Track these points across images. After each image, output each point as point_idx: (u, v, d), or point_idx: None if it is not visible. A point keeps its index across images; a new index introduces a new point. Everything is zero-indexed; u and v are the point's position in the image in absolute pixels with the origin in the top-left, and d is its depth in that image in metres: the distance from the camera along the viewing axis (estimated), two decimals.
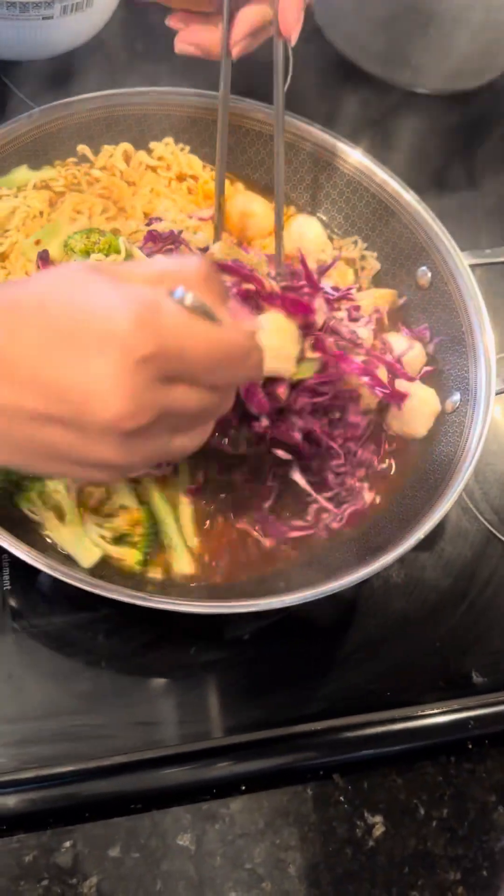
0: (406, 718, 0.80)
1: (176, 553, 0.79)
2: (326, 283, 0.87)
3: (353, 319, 0.86)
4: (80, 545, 0.76)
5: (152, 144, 0.98)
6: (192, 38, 0.78)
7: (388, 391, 0.82)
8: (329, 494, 0.82)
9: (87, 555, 0.75)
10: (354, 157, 0.96)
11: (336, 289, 0.88)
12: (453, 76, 1.23)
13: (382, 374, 0.83)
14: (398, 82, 1.23)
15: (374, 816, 0.77)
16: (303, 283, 0.79)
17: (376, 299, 0.94)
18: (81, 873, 0.70)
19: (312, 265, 0.83)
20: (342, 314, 0.85)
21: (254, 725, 0.77)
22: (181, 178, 0.98)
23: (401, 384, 0.84)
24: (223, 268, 0.74)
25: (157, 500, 0.80)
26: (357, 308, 0.87)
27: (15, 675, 0.76)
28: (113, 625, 0.79)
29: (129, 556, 0.77)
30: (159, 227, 0.90)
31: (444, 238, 0.92)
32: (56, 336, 0.47)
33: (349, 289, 0.87)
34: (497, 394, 0.85)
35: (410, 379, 0.86)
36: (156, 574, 0.78)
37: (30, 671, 0.76)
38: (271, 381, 0.73)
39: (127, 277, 0.50)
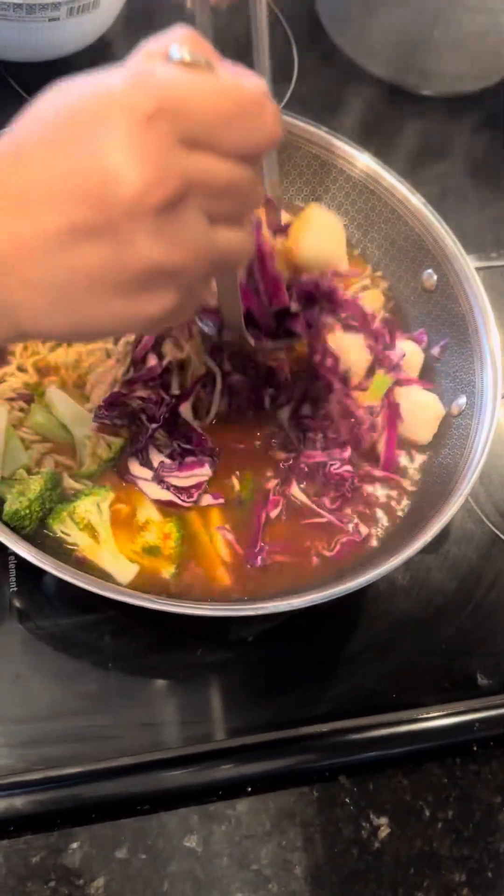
0: (411, 720, 0.80)
1: (213, 566, 0.79)
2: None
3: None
4: (118, 562, 0.76)
5: None
6: None
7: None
8: (324, 519, 0.82)
9: (126, 571, 0.76)
10: (362, 160, 0.97)
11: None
12: (459, 79, 1.24)
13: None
14: (404, 85, 1.23)
15: (379, 818, 0.77)
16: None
17: (367, 301, 0.94)
18: (89, 874, 0.70)
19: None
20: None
21: (260, 727, 0.77)
22: None
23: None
24: None
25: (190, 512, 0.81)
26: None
27: (21, 675, 0.76)
28: (119, 626, 0.79)
29: (163, 569, 0.77)
30: None
31: (451, 241, 0.92)
32: (55, 135, 0.43)
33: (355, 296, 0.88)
34: None
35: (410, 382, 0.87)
36: (190, 586, 0.78)
37: (36, 672, 0.76)
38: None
39: (117, 68, 0.45)
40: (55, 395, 0.81)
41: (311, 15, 1.28)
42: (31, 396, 0.82)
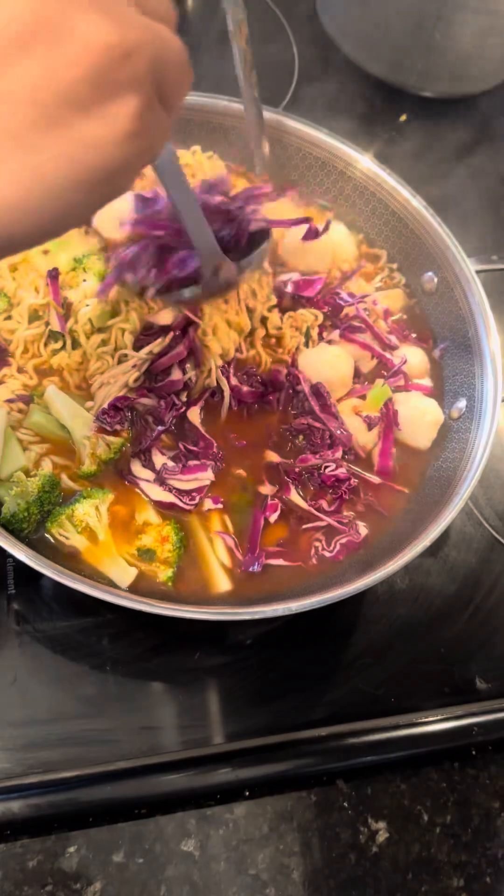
0: (410, 725, 0.80)
1: (212, 570, 0.79)
2: (343, 292, 0.89)
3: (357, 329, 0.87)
4: (117, 566, 0.76)
5: (179, 152, 0.98)
6: None
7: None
8: (324, 523, 0.82)
9: (125, 575, 0.76)
10: (363, 163, 0.97)
11: (351, 295, 0.88)
12: (460, 80, 1.23)
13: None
14: (404, 86, 1.23)
15: (377, 822, 0.77)
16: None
17: (387, 300, 0.94)
18: (85, 878, 0.70)
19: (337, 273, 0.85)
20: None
21: (258, 731, 0.77)
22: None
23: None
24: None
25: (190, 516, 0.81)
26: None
27: (20, 679, 0.76)
28: (117, 630, 0.79)
29: (161, 573, 0.77)
30: None
31: (451, 244, 0.92)
32: None
33: (364, 296, 0.88)
34: None
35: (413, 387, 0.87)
36: (188, 589, 0.78)
37: (35, 675, 0.76)
38: None
39: None
40: (54, 394, 0.81)
41: (312, 16, 1.28)
42: (30, 398, 0.82)
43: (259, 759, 0.76)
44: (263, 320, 0.88)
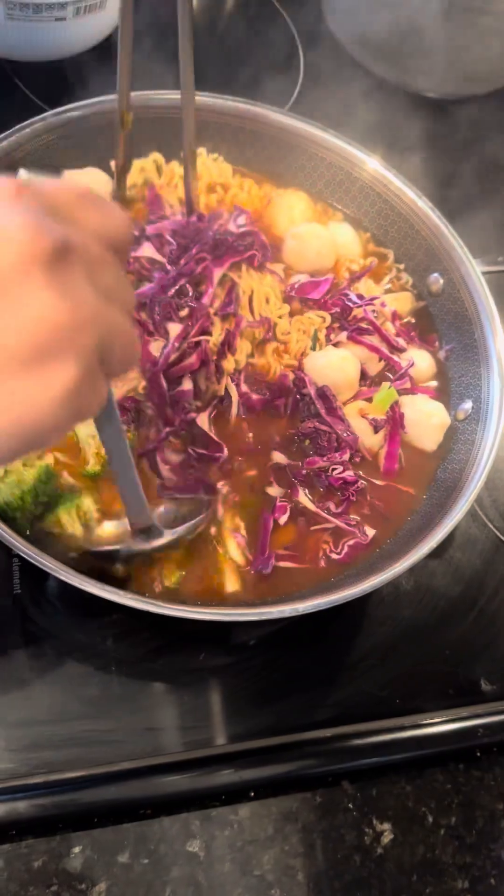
0: (414, 726, 0.80)
1: (221, 570, 0.79)
2: (352, 293, 0.89)
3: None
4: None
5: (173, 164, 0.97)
6: None
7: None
8: (331, 525, 0.82)
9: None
10: (369, 164, 0.96)
11: (360, 297, 0.88)
12: (465, 81, 1.23)
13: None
14: (409, 87, 1.23)
15: (382, 824, 0.77)
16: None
17: (395, 303, 0.94)
18: (90, 879, 0.69)
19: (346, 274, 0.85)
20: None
21: (262, 732, 0.77)
22: (211, 188, 0.97)
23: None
24: None
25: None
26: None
27: (25, 679, 0.76)
28: (122, 630, 0.79)
29: (168, 571, 0.77)
30: None
31: (458, 245, 0.92)
32: None
33: (373, 298, 0.88)
34: None
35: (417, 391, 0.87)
36: (195, 589, 0.78)
37: (39, 676, 0.76)
38: None
39: None
40: None
41: (317, 17, 1.28)
42: None
43: (263, 760, 0.76)
44: (274, 327, 0.88)
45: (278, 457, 0.84)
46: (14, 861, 0.69)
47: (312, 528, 0.82)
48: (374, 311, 0.90)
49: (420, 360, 0.90)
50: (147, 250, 0.86)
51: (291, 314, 0.90)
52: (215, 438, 0.83)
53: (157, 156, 0.96)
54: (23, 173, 0.47)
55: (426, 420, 0.86)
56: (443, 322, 0.94)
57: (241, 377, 0.85)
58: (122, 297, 0.49)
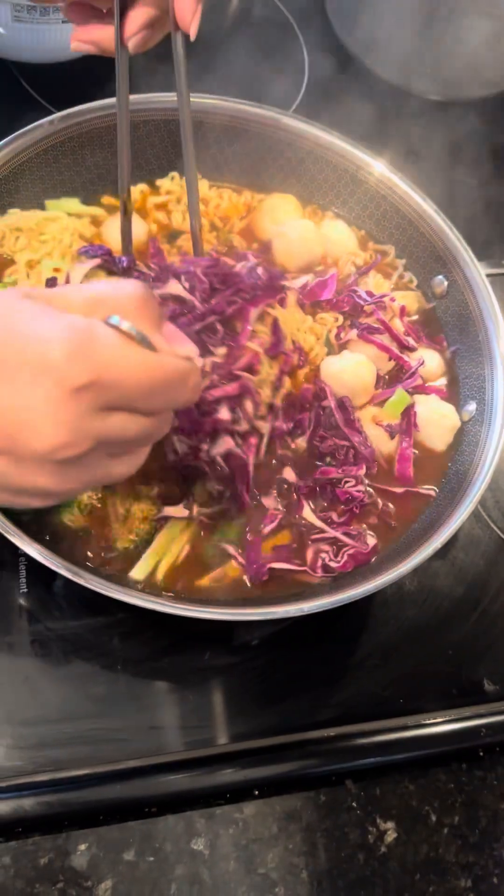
0: (418, 726, 0.80)
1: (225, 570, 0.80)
2: (361, 289, 0.89)
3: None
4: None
5: (158, 182, 0.97)
6: (88, 35, 0.73)
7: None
8: (331, 535, 0.81)
9: (142, 566, 0.77)
10: (374, 167, 0.97)
11: (370, 294, 0.88)
12: (469, 84, 1.24)
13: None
14: (414, 89, 1.23)
15: (386, 823, 0.77)
16: None
17: (403, 299, 0.95)
18: (96, 876, 0.70)
19: (347, 269, 0.85)
20: None
21: (266, 731, 0.77)
22: None
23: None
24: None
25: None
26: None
27: (31, 678, 0.76)
28: (128, 629, 0.79)
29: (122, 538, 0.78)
30: None
31: (462, 248, 0.92)
32: None
33: (383, 295, 0.88)
34: None
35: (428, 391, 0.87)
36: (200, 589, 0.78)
37: (46, 674, 0.77)
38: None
39: (61, 303, 0.49)
40: None
41: (321, 19, 1.28)
42: None
43: (267, 759, 0.77)
44: (307, 354, 0.86)
45: (289, 473, 0.83)
46: (21, 858, 0.70)
47: (313, 537, 0.81)
48: (384, 307, 0.90)
49: (430, 360, 0.90)
50: (174, 287, 0.80)
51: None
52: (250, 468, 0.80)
53: (142, 187, 0.97)
54: (115, 320, 0.48)
55: (439, 421, 0.87)
56: (447, 324, 0.94)
57: (279, 411, 0.82)
58: (141, 446, 0.55)
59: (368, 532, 0.82)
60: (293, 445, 0.84)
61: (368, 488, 0.84)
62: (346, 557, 0.80)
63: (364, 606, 0.85)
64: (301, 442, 0.84)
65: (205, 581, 0.78)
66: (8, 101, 1.09)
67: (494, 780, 0.81)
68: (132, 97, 0.78)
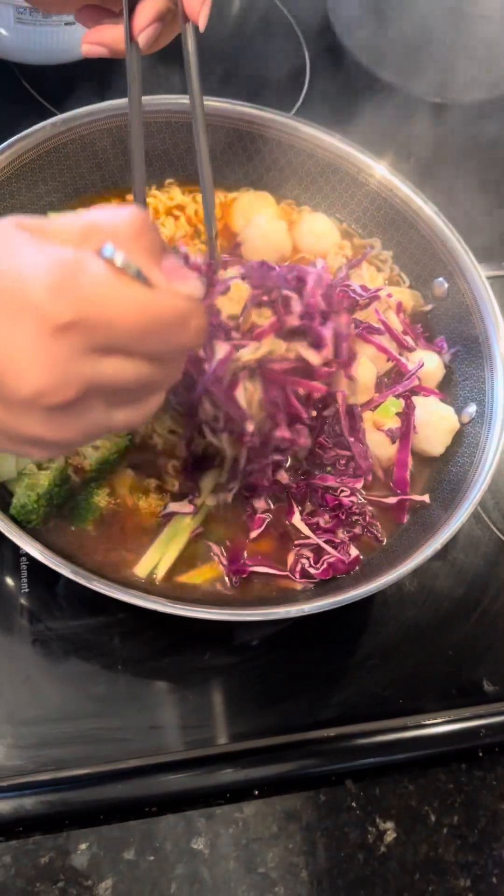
0: (418, 726, 0.80)
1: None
2: (355, 283, 0.88)
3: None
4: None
5: (129, 197, 0.96)
6: (99, 36, 0.70)
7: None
8: (314, 542, 0.81)
9: (145, 563, 0.78)
10: (376, 170, 0.97)
11: (365, 289, 0.88)
12: (470, 86, 1.24)
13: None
14: (415, 92, 1.23)
15: (385, 822, 0.77)
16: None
17: (400, 295, 0.95)
18: (97, 875, 0.70)
19: (334, 263, 0.83)
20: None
21: (266, 731, 0.78)
22: (169, 212, 0.97)
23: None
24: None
25: None
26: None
27: (32, 677, 0.76)
28: (129, 629, 0.79)
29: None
30: None
31: (462, 250, 0.93)
32: None
33: (378, 290, 0.88)
34: None
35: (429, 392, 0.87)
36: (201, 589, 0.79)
37: (47, 674, 0.77)
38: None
39: (54, 233, 0.45)
40: None
41: (323, 21, 1.29)
42: None
43: (267, 759, 0.77)
44: None
45: (282, 476, 0.82)
46: (21, 857, 0.70)
47: (296, 541, 0.81)
48: (384, 306, 0.90)
49: (429, 361, 0.90)
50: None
51: None
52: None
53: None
54: (108, 250, 0.44)
55: (437, 423, 0.87)
56: (447, 326, 0.94)
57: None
58: (145, 397, 0.50)
59: (352, 544, 0.82)
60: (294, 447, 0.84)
61: (361, 499, 0.84)
62: (325, 565, 0.80)
63: (364, 607, 0.86)
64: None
65: (186, 578, 0.79)
66: (10, 103, 1.10)
67: (494, 780, 0.81)
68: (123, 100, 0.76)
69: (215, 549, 0.80)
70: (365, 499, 0.84)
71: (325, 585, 0.80)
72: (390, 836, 0.77)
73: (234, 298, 0.73)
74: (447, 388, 0.92)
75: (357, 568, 0.81)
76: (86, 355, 0.43)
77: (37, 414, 0.44)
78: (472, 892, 0.76)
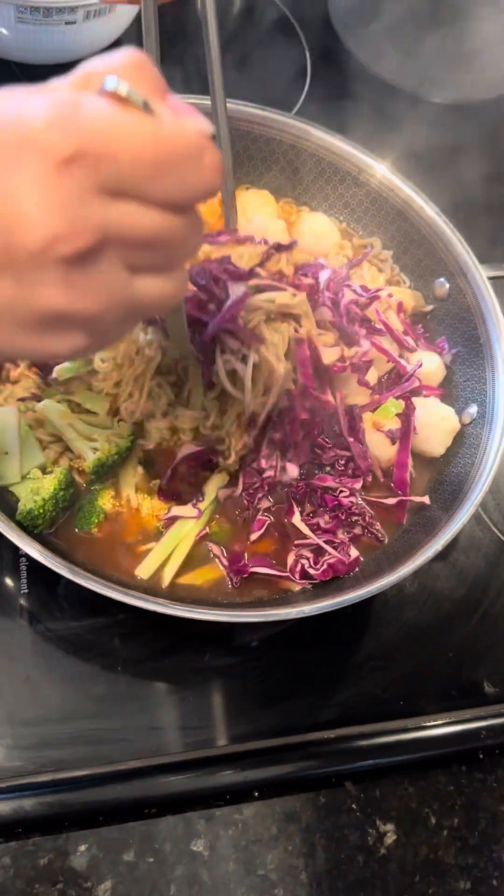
0: (418, 728, 0.80)
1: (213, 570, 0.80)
2: (355, 283, 0.88)
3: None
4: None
5: None
6: None
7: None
8: (315, 542, 0.81)
9: (147, 565, 0.78)
10: (377, 170, 0.97)
11: (365, 289, 0.88)
12: (470, 86, 1.24)
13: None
14: (415, 91, 1.23)
15: (385, 824, 0.77)
16: None
17: (401, 295, 0.95)
18: (96, 877, 0.70)
19: (335, 263, 0.84)
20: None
21: (267, 732, 0.77)
22: None
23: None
24: None
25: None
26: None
27: (32, 678, 0.76)
28: (128, 629, 0.79)
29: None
30: None
31: (463, 251, 0.92)
32: None
33: (378, 290, 0.88)
34: None
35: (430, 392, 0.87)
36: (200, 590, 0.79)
37: (47, 674, 0.77)
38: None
39: (54, 87, 0.43)
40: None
41: (324, 21, 1.29)
42: (41, 396, 0.82)
43: (267, 761, 0.77)
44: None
45: (292, 470, 0.82)
46: (21, 858, 0.70)
47: (296, 541, 0.81)
48: (385, 306, 0.90)
49: (429, 362, 0.90)
50: None
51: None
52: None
53: None
54: (110, 82, 0.40)
55: (437, 424, 0.87)
56: (448, 327, 0.94)
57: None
58: (169, 262, 0.46)
59: (353, 545, 0.82)
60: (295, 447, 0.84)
61: (360, 500, 0.83)
62: (325, 566, 0.80)
63: (364, 608, 0.85)
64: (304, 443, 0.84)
65: (186, 579, 0.79)
66: None
67: (494, 782, 0.81)
68: None
69: (216, 549, 0.80)
70: (364, 499, 0.84)
71: (326, 587, 0.79)
72: (390, 838, 0.76)
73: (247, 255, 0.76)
74: (448, 389, 0.92)
75: (357, 569, 0.81)
76: (96, 195, 0.40)
77: (51, 273, 0.40)
78: (472, 895, 0.75)
